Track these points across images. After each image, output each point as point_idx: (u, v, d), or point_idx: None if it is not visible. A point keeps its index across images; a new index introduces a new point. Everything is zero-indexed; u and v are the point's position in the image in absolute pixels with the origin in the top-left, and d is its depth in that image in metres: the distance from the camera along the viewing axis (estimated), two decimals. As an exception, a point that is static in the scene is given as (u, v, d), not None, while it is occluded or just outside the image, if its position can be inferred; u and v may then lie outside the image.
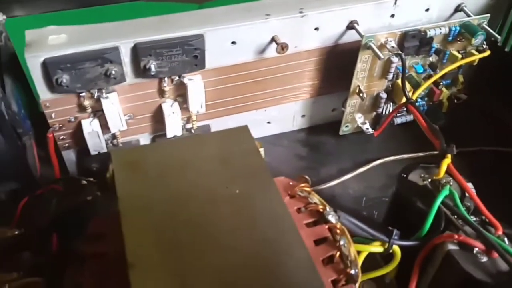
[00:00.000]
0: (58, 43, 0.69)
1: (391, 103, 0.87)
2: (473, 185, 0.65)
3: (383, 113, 0.88)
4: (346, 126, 0.90)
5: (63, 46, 0.69)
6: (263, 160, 0.60)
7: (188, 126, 0.82)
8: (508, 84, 0.91)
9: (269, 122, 0.90)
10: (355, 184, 0.85)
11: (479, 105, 0.93)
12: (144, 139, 0.82)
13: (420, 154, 0.84)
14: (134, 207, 0.53)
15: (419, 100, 0.89)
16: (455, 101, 0.89)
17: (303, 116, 0.92)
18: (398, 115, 0.90)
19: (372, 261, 0.61)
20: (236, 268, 0.49)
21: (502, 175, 0.83)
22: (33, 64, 0.68)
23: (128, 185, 0.56)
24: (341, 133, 0.91)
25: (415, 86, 0.83)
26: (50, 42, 0.69)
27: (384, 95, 0.85)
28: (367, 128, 0.88)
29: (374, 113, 0.89)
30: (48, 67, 0.68)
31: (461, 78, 0.87)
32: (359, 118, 0.88)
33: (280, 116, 0.90)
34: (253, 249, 0.50)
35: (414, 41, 0.80)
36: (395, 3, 0.79)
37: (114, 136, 0.78)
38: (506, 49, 0.91)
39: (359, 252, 0.57)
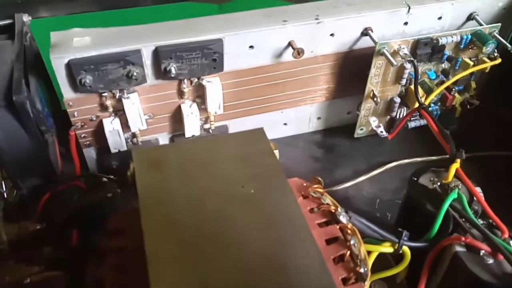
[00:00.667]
0: (82, 45, 0.71)
1: (405, 108, 0.89)
2: (484, 189, 0.66)
3: (397, 117, 0.90)
4: (361, 129, 0.92)
5: (87, 48, 0.71)
6: (278, 161, 0.62)
7: (206, 126, 0.84)
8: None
9: (285, 124, 0.92)
10: (369, 186, 0.86)
11: (492, 110, 0.94)
12: (163, 138, 0.85)
13: (433, 157, 0.86)
14: (153, 204, 0.55)
15: (432, 105, 0.90)
16: (468, 106, 0.90)
17: (318, 118, 0.93)
18: (411, 119, 0.91)
19: (383, 262, 0.63)
20: (250, 265, 0.51)
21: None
22: (58, 65, 0.70)
23: (148, 183, 0.58)
24: (356, 135, 0.92)
25: (428, 91, 0.85)
26: (74, 44, 0.71)
27: (398, 100, 0.87)
28: (381, 132, 0.89)
29: (388, 116, 0.90)
30: (72, 68, 0.70)
31: (473, 84, 0.89)
32: (374, 122, 0.90)
33: (296, 118, 0.91)
34: (266, 246, 0.52)
35: (427, 49, 0.81)
36: (408, 11, 0.81)
37: (134, 135, 0.80)
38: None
39: (370, 252, 0.59)
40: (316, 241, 0.53)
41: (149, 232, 0.52)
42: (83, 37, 0.72)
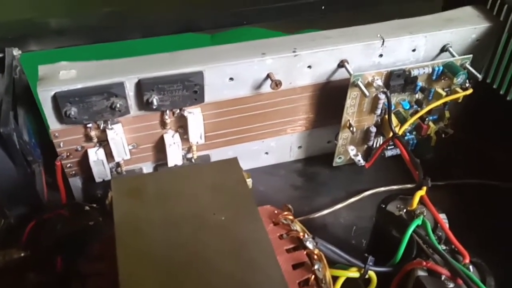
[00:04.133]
0: (68, 78, 0.74)
1: (381, 137, 0.91)
2: (454, 215, 0.69)
3: (374, 146, 0.92)
4: (339, 158, 0.94)
5: (73, 81, 0.73)
6: (249, 190, 0.65)
7: (189, 156, 0.87)
8: (494, 120, 0.96)
9: (266, 153, 0.94)
10: (347, 214, 0.88)
11: (466, 139, 0.97)
12: (147, 168, 0.87)
13: (409, 185, 0.88)
14: (129, 231, 0.58)
15: (407, 134, 0.93)
16: (443, 135, 0.93)
17: (299, 147, 0.96)
18: (388, 148, 0.93)
19: (354, 287, 0.66)
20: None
21: (485, 207, 0.87)
22: (45, 98, 0.73)
23: (124, 211, 0.61)
24: (334, 164, 0.95)
25: (402, 121, 0.87)
26: (61, 77, 0.74)
27: (373, 129, 0.89)
28: (359, 160, 0.92)
29: (366, 146, 0.93)
30: (58, 100, 0.73)
31: (447, 114, 0.91)
32: (352, 150, 0.92)
33: (277, 147, 0.94)
34: (234, 272, 0.55)
35: (399, 80, 0.84)
36: (382, 44, 0.84)
37: (118, 165, 0.83)
38: (494, 86, 0.95)
39: (337, 277, 0.62)
40: (280, 266, 0.56)
41: (122, 258, 0.55)
42: (69, 70, 0.75)
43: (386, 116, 0.87)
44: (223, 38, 1.01)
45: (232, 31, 1.00)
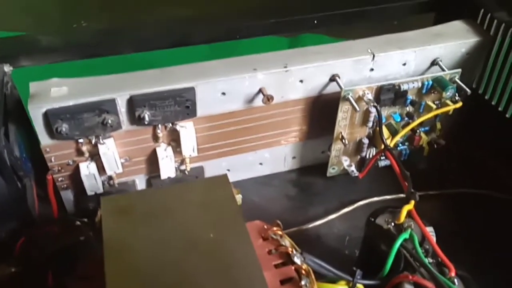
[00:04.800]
0: (59, 95, 0.75)
1: (374, 148, 0.92)
2: (447, 224, 0.72)
3: (367, 156, 0.93)
4: (333, 168, 0.94)
5: (64, 98, 0.74)
6: (237, 206, 0.66)
7: (182, 167, 0.87)
8: (486, 130, 0.96)
9: (261, 164, 0.94)
10: (340, 224, 0.88)
11: (459, 149, 0.98)
12: (140, 180, 0.88)
13: (402, 195, 0.88)
14: (117, 250, 0.59)
15: (400, 144, 0.94)
16: (435, 146, 0.93)
17: (294, 157, 0.96)
18: (382, 158, 0.94)
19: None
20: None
21: (478, 216, 0.87)
22: (36, 115, 0.74)
23: (113, 229, 0.61)
24: (328, 174, 0.95)
25: (394, 133, 0.88)
26: (52, 94, 0.75)
27: (366, 141, 0.90)
28: (353, 171, 0.92)
29: (359, 156, 0.93)
30: (49, 117, 0.73)
31: (438, 125, 0.92)
32: (345, 161, 0.93)
33: (271, 158, 0.94)
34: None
35: (390, 94, 0.85)
36: (373, 59, 0.84)
37: (110, 178, 0.83)
38: (486, 97, 0.96)
39: (326, 291, 0.63)
40: (267, 283, 0.56)
41: (111, 277, 0.56)
42: (61, 87, 0.76)
43: (378, 129, 0.87)
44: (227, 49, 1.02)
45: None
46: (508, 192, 0.89)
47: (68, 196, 0.85)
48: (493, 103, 0.94)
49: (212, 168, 0.90)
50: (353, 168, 0.93)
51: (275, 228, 0.65)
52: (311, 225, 0.87)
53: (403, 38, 0.88)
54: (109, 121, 0.76)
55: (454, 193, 0.92)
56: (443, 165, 0.97)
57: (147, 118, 0.77)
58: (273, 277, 0.59)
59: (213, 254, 0.59)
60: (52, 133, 0.75)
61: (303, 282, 0.59)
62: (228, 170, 0.92)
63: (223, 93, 0.81)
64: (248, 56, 0.84)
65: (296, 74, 0.83)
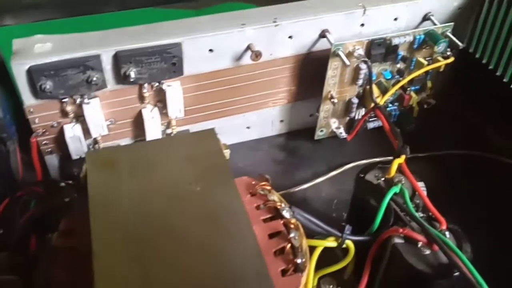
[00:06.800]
0: (43, 51, 0.73)
1: (363, 108, 0.91)
2: (437, 186, 0.69)
3: (356, 117, 0.92)
4: (321, 131, 0.93)
5: (48, 54, 0.72)
6: (225, 160, 0.64)
7: (168, 131, 0.85)
8: (477, 90, 0.95)
9: (248, 127, 0.93)
10: (328, 187, 0.88)
11: (449, 110, 0.97)
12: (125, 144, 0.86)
13: (391, 158, 0.88)
14: (103, 203, 0.58)
15: (390, 105, 0.93)
16: (425, 106, 0.93)
17: (281, 121, 0.95)
18: (371, 120, 0.93)
19: (334, 258, 0.65)
20: (191, 257, 0.53)
21: (468, 176, 0.87)
22: (19, 72, 0.72)
23: (98, 183, 0.60)
24: (316, 137, 0.94)
25: (384, 91, 0.87)
26: (35, 51, 0.73)
27: (355, 100, 0.89)
28: (341, 133, 0.91)
29: (348, 118, 0.92)
30: (33, 74, 0.71)
31: (429, 84, 0.91)
32: (334, 123, 0.92)
33: (259, 122, 0.93)
34: (207, 240, 0.54)
35: (380, 49, 0.83)
36: (364, 13, 0.83)
37: (95, 141, 0.81)
38: (476, 56, 0.95)
39: (315, 247, 0.61)
40: (256, 235, 0.55)
41: (96, 230, 0.55)
42: (45, 44, 0.74)
43: (368, 87, 0.86)
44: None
45: (217, 6, 0.99)
46: (496, 152, 0.89)
47: (52, 161, 0.83)
48: (483, 61, 0.94)
49: (198, 132, 0.88)
50: (341, 130, 0.92)
51: (262, 183, 0.64)
52: (298, 189, 0.86)
53: (395, -9, 0.87)
54: (94, 79, 0.74)
55: (444, 154, 0.91)
56: (433, 126, 0.96)
57: (133, 75, 0.75)
58: (261, 231, 0.58)
59: (200, 206, 0.58)
60: (36, 91, 0.73)
61: (292, 235, 0.57)
62: (215, 134, 0.90)
63: (211, 50, 0.80)
64: (237, 11, 0.83)
65: (286, 29, 0.81)
